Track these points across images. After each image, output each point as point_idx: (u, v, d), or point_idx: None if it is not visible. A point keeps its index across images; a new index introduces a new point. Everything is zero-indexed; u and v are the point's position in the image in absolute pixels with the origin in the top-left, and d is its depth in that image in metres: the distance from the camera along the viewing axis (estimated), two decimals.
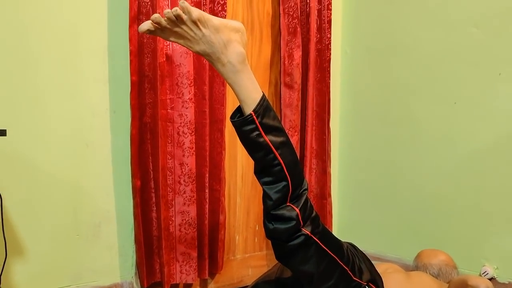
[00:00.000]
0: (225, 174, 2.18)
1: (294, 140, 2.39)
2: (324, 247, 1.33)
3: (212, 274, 2.21)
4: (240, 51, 1.25)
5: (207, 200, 2.08)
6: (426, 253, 1.88)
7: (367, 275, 1.46)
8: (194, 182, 2.03)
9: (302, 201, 1.29)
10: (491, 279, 2.06)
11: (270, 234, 1.31)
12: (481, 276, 2.08)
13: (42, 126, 1.76)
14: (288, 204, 1.28)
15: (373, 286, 1.47)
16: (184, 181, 2.01)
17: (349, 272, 1.39)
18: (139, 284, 1.99)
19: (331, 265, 1.35)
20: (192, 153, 2.01)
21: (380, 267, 1.63)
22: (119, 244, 1.96)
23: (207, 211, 2.08)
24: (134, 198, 1.92)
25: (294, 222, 1.26)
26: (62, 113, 1.80)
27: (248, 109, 1.24)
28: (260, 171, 1.30)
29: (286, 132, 1.34)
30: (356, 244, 1.63)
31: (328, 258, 1.34)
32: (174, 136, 1.99)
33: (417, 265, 1.86)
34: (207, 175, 2.08)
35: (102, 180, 1.91)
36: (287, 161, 1.27)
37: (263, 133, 1.24)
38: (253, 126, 1.24)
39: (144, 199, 1.94)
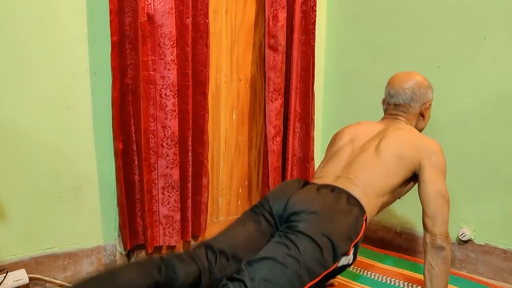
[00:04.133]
0: (208, 137, 2.16)
1: (278, 103, 2.37)
2: None
3: (195, 236, 2.23)
4: None
5: (190, 163, 2.07)
6: (398, 77, 1.78)
7: (332, 255, 1.32)
8: (177, 145, 2.02)
9: None
10: (468, 240, 2.12)
11: None
12: (458, 237, 2.13)
13: (20, 88, 1.71)
14: None
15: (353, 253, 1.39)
16: (167, 144, 1.99)
17: (320, 277, 1.28)
18: (122, 246, 2.00)
19: None
20: (175, 116, 1.99)
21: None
22: (102, 207, 1.96)
23: (190, 174, 2.08)
24: (116, 161, 1.90)
25: None
26: (41, 74, 1.75)
27: None
28: None
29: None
30: None
31: None
32: (157, 98, 1.96)
33: (389, 92, 1.81)
34: (190, 138, 2.06)
35: (83, 142, 1.88)
36: None
37: None
38: None
39: (126, 162, 1.93)
